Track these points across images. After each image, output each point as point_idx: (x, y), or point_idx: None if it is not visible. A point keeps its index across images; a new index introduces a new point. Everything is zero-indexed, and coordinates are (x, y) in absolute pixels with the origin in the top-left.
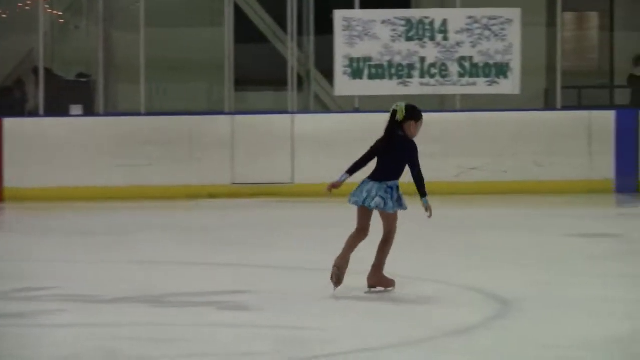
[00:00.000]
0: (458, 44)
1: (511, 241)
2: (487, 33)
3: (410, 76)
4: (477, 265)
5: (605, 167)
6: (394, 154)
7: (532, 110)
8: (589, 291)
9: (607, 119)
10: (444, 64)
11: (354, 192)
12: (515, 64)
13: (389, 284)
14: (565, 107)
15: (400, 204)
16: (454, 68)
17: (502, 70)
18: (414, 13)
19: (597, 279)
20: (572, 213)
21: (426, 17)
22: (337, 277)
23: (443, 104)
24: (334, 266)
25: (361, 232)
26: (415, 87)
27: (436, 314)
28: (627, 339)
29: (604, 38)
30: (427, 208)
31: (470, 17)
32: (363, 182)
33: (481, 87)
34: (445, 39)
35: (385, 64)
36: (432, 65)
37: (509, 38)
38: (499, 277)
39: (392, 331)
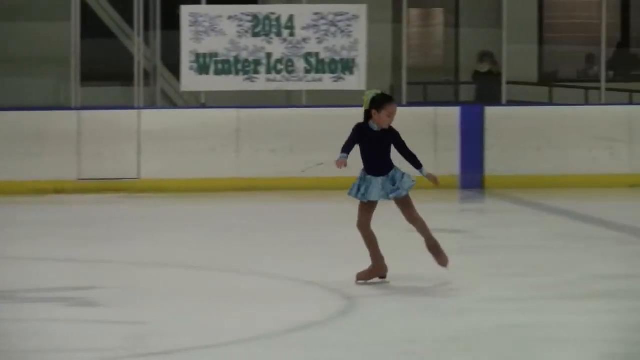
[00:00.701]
0: (304, 40)
1: (357, 236)
2: (333, 29)
3: (256, 72)
4: (322, 260)
5: (451, 163)
6: (378, 150)
7: None
8: (433, 286)
9: (452, 115)
10: (290, 60)
11: (368, 187)
12: (361, 60)
13: (444, 261)
14: (410, 103)
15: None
16: (300, 64)
17: (347, 66)
18: (260, 9)
19: (442, 274)
20: (417, 209)
21: (272, 13)
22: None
23: (289, 99)
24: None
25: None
26: (262, 83)
27: (279, 309)
28: (470, 333)
29: (449, 34)
30: (429, 176)
31: (316, 14)
32: (367, 179)
33: (327, 83)
34: (292, 35)
35: (232, 59)
36: (279, 61)
37: (354, 34)
38: (344, 272)
39: (233, 327)
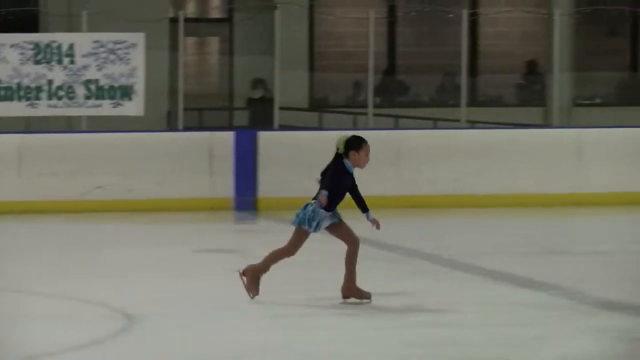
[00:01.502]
0: (84, 67)
1: (136, 257)
2: (112, 57)
3: (38, 98)
4: (103, 280)
5: (226, 185)
6: (346, 189)
7: (155, 131)
8: (216, 305)
9: (227, 139)
10: (70, 87)
11: (320, 222)
12: (139, 87)
13: (364, 295)
14: (187, 129)
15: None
16: (80, 90)
17: (126, 92)
18: (42, 37)
19: (222, 293)
20: (194, 230)
21: (54, 41)
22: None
23: (70, 125)
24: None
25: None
26: (43, 109)
27: (58, 329)
28: (252, 352)
29: (223, 62)
30: (373, 221)
31: (96, 42)
32: (320, 214)
33: (106, 108)
34: (72, 62)
35: (14, 86)
36: (60, 87)
37: (133, 62)
38: (125, 292)
39: (12, 347)
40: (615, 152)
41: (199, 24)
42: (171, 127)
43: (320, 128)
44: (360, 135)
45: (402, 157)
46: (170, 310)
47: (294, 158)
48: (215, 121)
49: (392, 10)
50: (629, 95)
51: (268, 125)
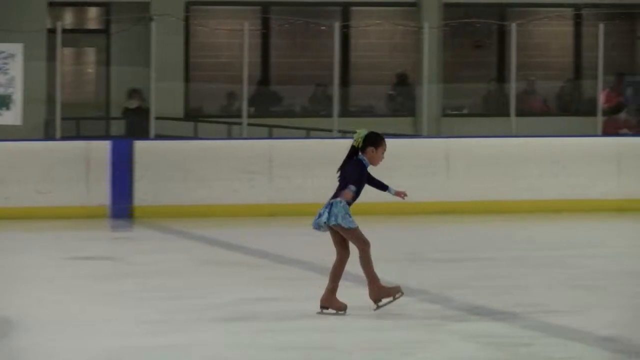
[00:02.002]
0: None
1: (14, 264)
2: None
3: None
4: None
5: (102, 194)
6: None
7: (33, 140)
8: (91, 309)
9: (103, 148)
10: None
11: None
12: (18, 96)
13: (391, 293)
14: (64, 137)
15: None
16: None
17: (4, 102)
18: None
19: (97, 299)
20: (70, 237)
21: None
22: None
23: None
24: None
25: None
26: None
27: None
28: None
29: (100, 72)
30: (398, 193)
31: None
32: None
33: None
34: None
35: None
36: None
37: (11, 72)
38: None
39: None
40: (481, 162)
41: (76, 34)
42: (49, 136)
43: (195, 138)
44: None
45: (274, 166)
46: (47, 314)
47: (170, 167)
48: (92, 130)
49: (266, 22)
50: (495, 106)
51: (144, 135)
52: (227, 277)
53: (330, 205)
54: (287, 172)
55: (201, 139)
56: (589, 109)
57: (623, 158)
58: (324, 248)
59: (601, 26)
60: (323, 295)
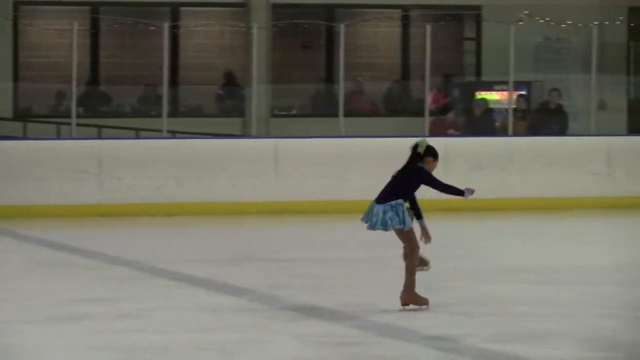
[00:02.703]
0: None
1: None
2: None
3: None
4: None
5: None
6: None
7: None
8: None
9: None
10: None
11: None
12: None
13: (422, 302)
14: None
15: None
16: None
17: None
18: None
19: None
20: None
21: None
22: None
23: None
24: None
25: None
26: None
27: None
28: None
29: None
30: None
31: None
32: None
33: None
34: None
35: None
36: None
37: None
38: None
39: None
40: (310, 162)
41: None
42: None
43: (24, 137)
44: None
45: (104, 166)
46: None
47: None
48: None
49: (95, 22)
50: (323, 106)
51: None
52: (58, 278)
53: (390, 209)
54: (117, 173)
55: (30, 138)
56: (416, 110)
57: (450, 158)
58: (153, 248)
59: (428, 27)
60: (402, 292)
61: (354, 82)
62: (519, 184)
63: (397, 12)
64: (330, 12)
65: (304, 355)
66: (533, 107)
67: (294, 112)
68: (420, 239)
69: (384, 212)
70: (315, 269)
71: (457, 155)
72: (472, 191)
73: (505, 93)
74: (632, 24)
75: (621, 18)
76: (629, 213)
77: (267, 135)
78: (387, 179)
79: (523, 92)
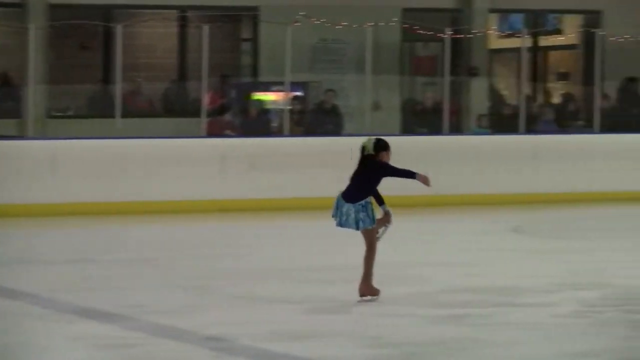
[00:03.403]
0: None
1: None
2: None
3: None
4: None
5: None
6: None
7: None
8: None
9: None
10: None
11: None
12: None
13: (376, 292)
14: None
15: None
16: None
17: None
18: None
19: None
20: None
21: None
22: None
23: None
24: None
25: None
26: None
27: None
28: None
29: None
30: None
31: None
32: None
33: None
34: None
35: None
36: None
37: None
38: None
39: None
40: (87, 163)
41: None
42: None
43: None
44: None
45: None
46: None
47: None
48: None
49: None
50: (100, 107)
51: None
52: None
53: (361, 209)
54: None
55: None
56: (193, 110)
57: (227, 159)
58: None
59: (205, 28)
60: (361, 284)
61: (132, 82)
62: (294, 184)
63: (175, 13)
64: (108, 13)
65: (80, 357)
66: (309, 108)
67: (70, 113)
68: (386, 224)
69: (356, 212)
70: (93, 270)
71: (234, 156)
72: (424, 178)
73: (281, 94)
74: (405, 25)
75: (395, 19)
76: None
77: (44, 136)
78: (166, 179)
79: (299, 93)
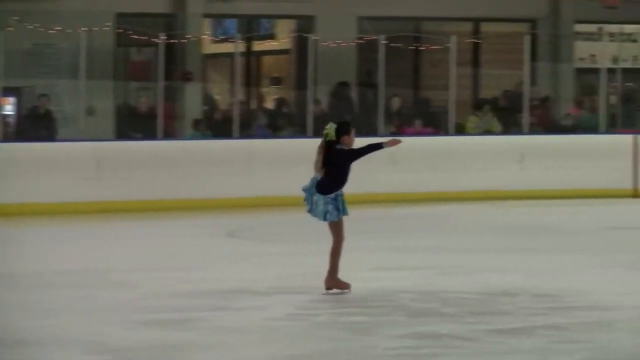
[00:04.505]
0: None
1: None
2: None
3: None
4: None
5: None
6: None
7: None
8: None
9: None
10: None
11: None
12: None
13: (344, 286)
14: None
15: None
16: None
17: None
18: None
19: None
20: None
21: None
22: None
23: None
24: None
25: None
26: None
27: None
28: None
29: None
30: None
31: None
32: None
33: None
34: None
35: None
36: None
37: None
38: None
39: None
40: None
41: None
42: None
43: None
44: None
45: None
46: None
47: None
48: None
49: None
50: None
51: None
52: None
53: (331, 201)
54: None
55: None
56: None
57: None
58: None
59: None
60: (326, 277)
61: None
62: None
63: None
64: None
65: None
66: (22, 113)
67: None
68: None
69: (325, 204)
70: None
71: None
72: (392, 142)
73: None
74: (119, 30)
75: (109, 24)
76: (120, 217)
77: None
78: None
79: (11, 98)
